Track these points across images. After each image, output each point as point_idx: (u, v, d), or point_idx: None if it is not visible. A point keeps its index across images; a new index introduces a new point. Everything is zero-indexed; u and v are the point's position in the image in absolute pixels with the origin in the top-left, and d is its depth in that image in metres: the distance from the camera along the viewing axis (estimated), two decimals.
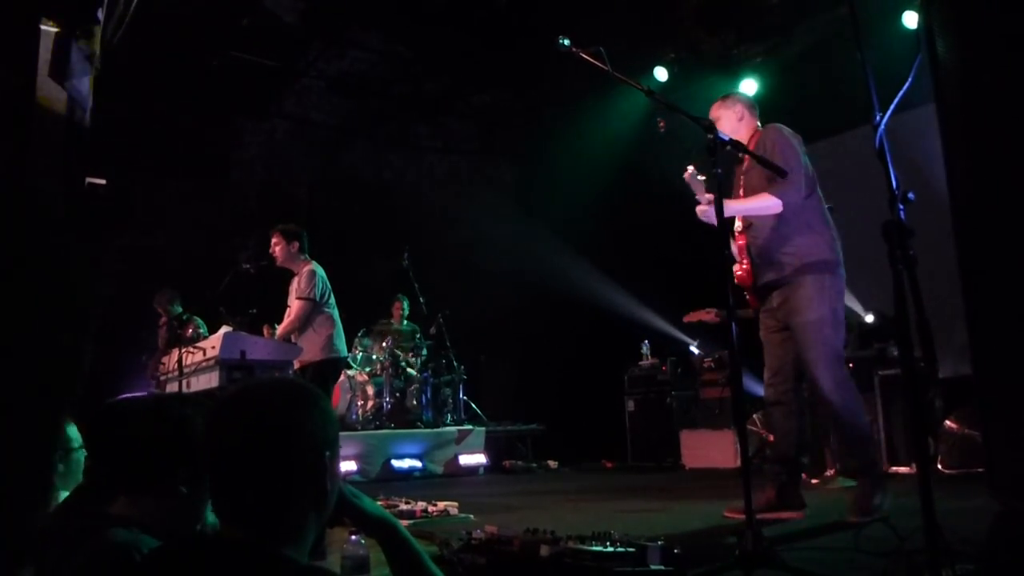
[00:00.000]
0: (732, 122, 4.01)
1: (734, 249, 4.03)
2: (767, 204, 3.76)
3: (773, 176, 3.62)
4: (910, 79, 1.93)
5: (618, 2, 7.59)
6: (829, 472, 5.64)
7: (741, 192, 4.03)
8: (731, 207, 3.79)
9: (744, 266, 3.99)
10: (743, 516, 3.49)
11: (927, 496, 1.79)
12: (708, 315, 6.55)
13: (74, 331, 0.65)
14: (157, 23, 7.33)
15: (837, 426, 3.82)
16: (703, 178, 3.73)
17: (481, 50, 8.54)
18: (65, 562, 1.43)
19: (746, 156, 3.90)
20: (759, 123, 4.08)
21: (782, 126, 3.96)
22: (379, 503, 3.07)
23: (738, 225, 4.03)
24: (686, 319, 6.92)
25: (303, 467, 1.21)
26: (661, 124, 3.80)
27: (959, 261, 2.11)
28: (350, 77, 9.34)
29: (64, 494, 2.31)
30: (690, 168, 3.68)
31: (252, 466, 1.19)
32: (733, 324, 2.68)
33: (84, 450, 2.47)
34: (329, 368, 5.69)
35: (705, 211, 3.73)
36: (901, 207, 1.80)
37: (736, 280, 3.99)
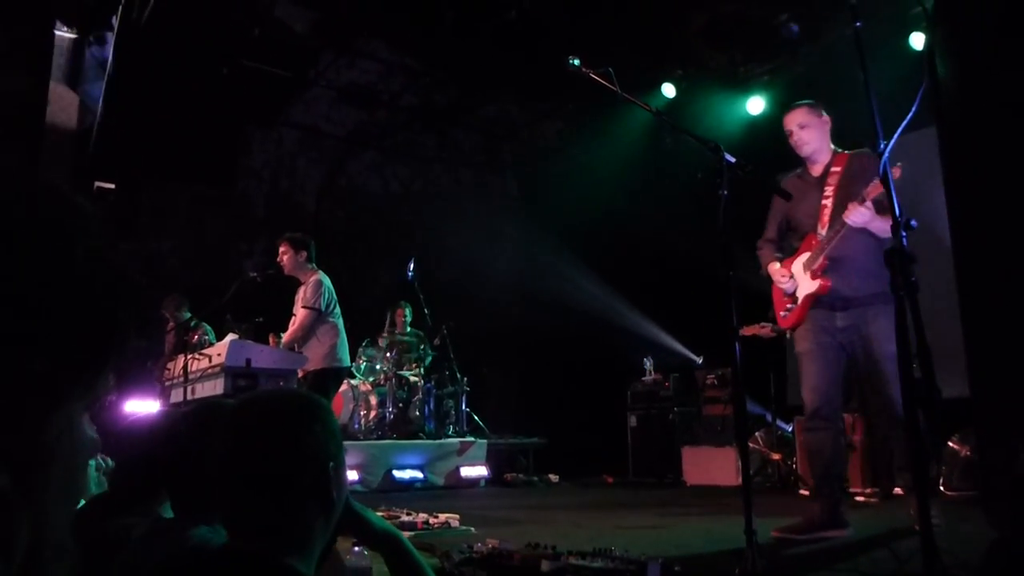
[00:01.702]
0: (819, 130, 4.02)
1: (786, 287, 4.02)
2: (883, 227, 3.64)
3: (880, 199, 3.58)
4: (915, 106, 1.95)
5: (626, 18, 7.63)
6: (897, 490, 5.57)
7: (832, 193, 3.93)
8: (875, 223, 3.71)
9: (792, 309, 3.99)
10: (794, 535, 3.53)
11: (925, 519, 1.80)
12: (764, 329, 6.47)
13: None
14: (169, 31, 7.41)
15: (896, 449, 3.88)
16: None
17: (489, 63, 8.59)
18: (142, 563, 1.44)
19: (835, 167, 3.95)
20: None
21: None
22: (380, 514, 3.08)
23: (823, 232, 3.92)
24: (743, 332, 6.84)
25: (307, 480, 1.23)
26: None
27: (958, 285, 2.12)
28: (359, 88, 9.41)
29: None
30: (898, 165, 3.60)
31: (256, 479, 1.21)
32: (736, 343, 2.69)
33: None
34: (330, 377, 5.72)
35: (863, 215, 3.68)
36: (904, 234, 1.81)
37: (782, 324, 4.05)
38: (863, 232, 3.75)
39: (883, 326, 3.64)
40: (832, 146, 4.05)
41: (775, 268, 4.08)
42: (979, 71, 2.15)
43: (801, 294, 3.96)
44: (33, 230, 0.63)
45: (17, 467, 0.59)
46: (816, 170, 4.07)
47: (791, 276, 4.00)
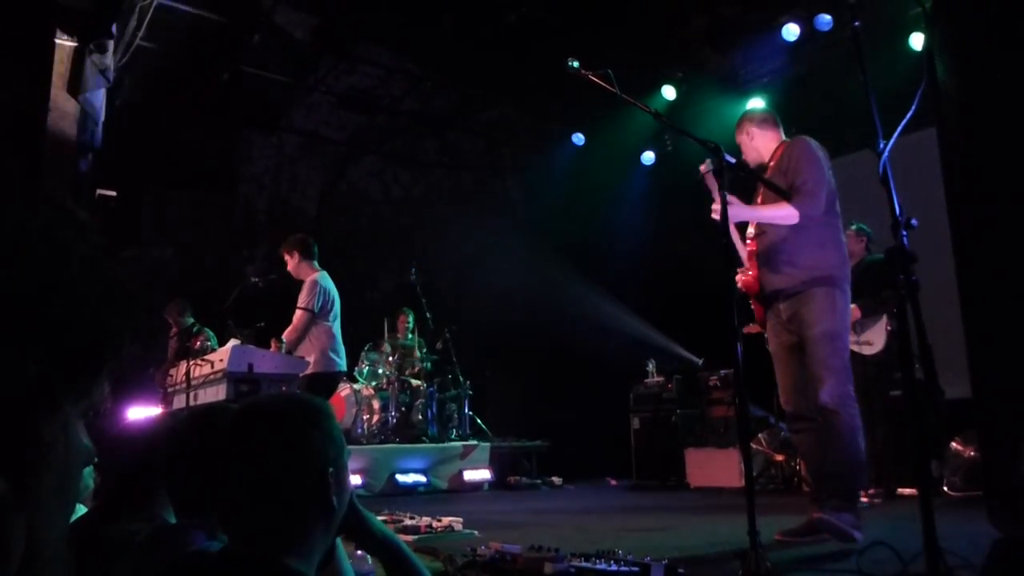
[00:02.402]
0: (747, 146, 4.02)
1: (743, 254, 3.96)
2: (783, 213, 3.68)
3: (794, 186, 3.67)
4: (914, 106, 1.95)
5: (627, 20, 7.64)
6: (873, 490, 5.51)
7: (759, 199, 3.99)
8: (746, 213, 3.75)
9: (751, 273, 3.92)
10: (797, 539, 3.49)
11: (928, 520, 1.79)
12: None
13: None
14: (169, 37, 7.42)
15: (833, 445, 3.54)
16: (715, 177, 3.61)
17: (489, 66, 8.60)
18: (143, 568, 1.44)
19: (769, 165, 3.92)
20: (783, 134, 4.04)
21: (809, 139, 3.89)
22: (383, 518, 3.07)
23: (751, 231, 3.97)
24: (746, 330, 6.66)
25: (306, 485, 1.23)
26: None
27: (959, 284, 2.12)
28: (359, 93, 9.42)
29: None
30: (707, 162, 3.62)
31: (256, 484, 1.21)
32: (738, 343, 2.69)
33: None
34: (322, 381, 5.68)
35: (719, 211, 3.62)
36: (904, 233, 1.81)
37: (740, 286, 3.90)
38: (782, 227, 3.74)
39: (813, 308, 3.62)
40: (781, 138, 4.02)
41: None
42: (978, 71, 2.15)
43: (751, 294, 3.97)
44: (29, 238, 0.64)
45: (13, 471, 0.59)
46: (761, 171, 4.05)
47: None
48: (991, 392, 2.00)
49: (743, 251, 3.97)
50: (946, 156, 2.17)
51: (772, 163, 3.94)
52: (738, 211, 3.63)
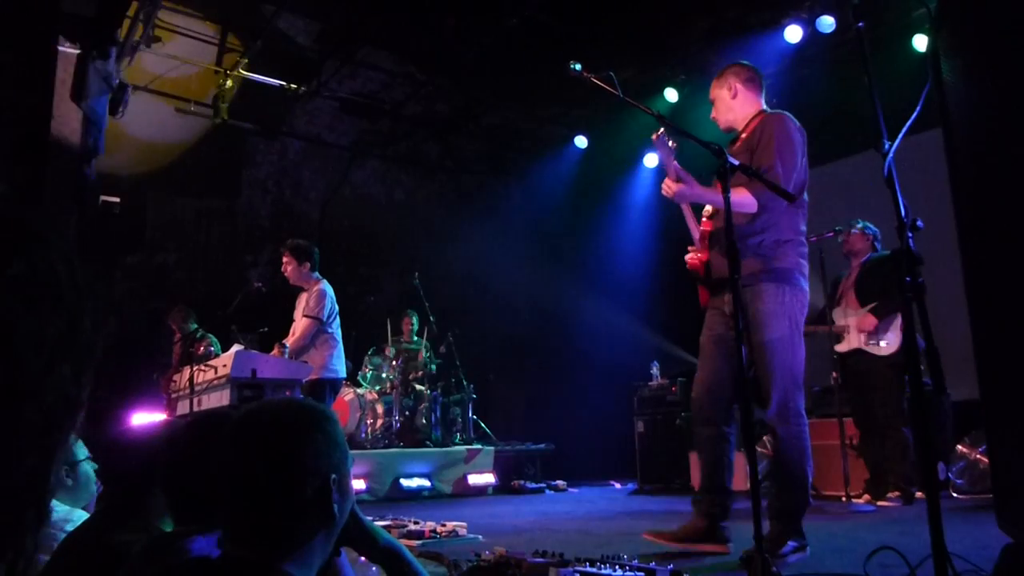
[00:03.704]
0: (726, 102, 3.66)
1: (695, 234, 3.67)
2: (741, 201, 3.30)
3: (760, 170, 3.23)
4: (919, 107, 1.94)
5: (629, 24, 7.64)
6: (893, 493, 5.43)
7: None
8: (700, 194, 3.44)
9: (702, 255, 3.62)
10: (667, 542, 3.40)
11: (936, 523, 1.78)
12: None
13: (74, 363, 0.61)
14: (172, 43, 7.44)
15: (779, 459, 3.35)
16: (674, 145, 3.41)
17: (491, 70, 8.61)
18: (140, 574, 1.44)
19: (740, 137, 3.60)
20: (765, 104, 3.67)
21: (789, 117, 3.53)
22: (387, 523, 3.06)
23: (708, 210, 3.65)
24: None
25: (308, 492, 1.22)
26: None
27: (966, 286, 2.10)
28: (362, 97, 9.43)
29: (64, 508, 2.33)
30: (660, 131, 3.36)
31: (257, 490, 1.20)
32: (743, 347, 2.67)
33: (91, 462, 2.49)
34: (324, 388, 5.72)
35: (671, 188, 3.39)
36: (910, 235, 1.79)
37: (688, 266, 3.64)
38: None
39: (761, 310, 3.33)
40: (762, 107, 3.66)
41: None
42: (987, 73, 2.14)
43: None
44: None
45: None
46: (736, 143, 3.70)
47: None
48: (1000, 394, 1.99)
49: (695, 231, 3.69)
50: (953, 158, 2.15)
51: (744, 135, 3.61)
52: (692, 191, 3.39)
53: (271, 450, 1.22)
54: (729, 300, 3.40)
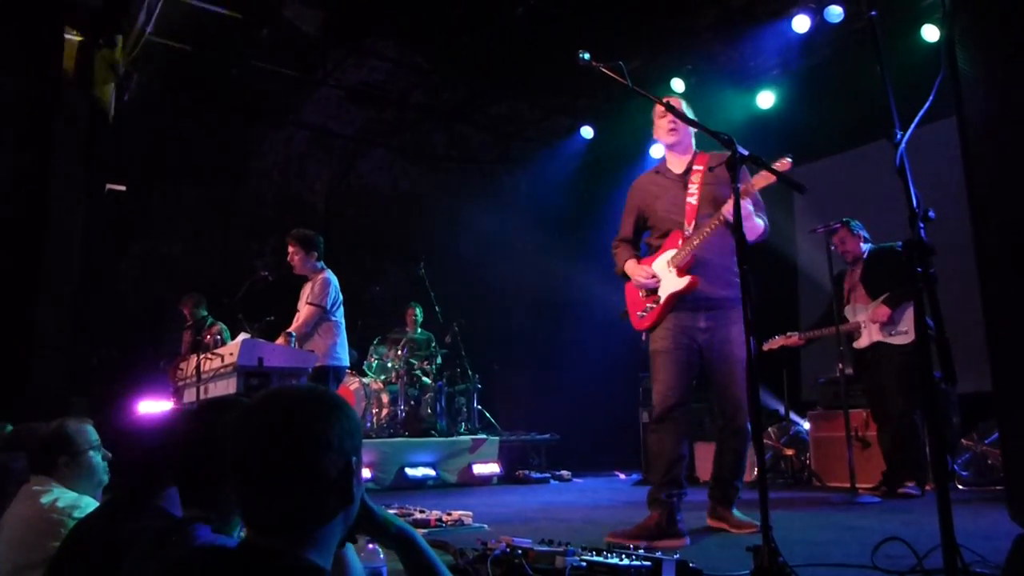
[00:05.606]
0: (679, 127, 4.06)
1: (649, 284, 3.93)
2: (755, 225, 3.74)
3: (757, 198, 3.71)
4: (931, 96, 1.92)
5: (636, 13, 7.60)
6: (910, 482, 5.36)
7: (697, 191, 3.86)
8: (751, 219, 3.66)
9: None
10: (628, 541, 3.43)
11: (946, 515, 1.77)
12: (790, 340, 6.06)
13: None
14: (178, 31, 7.43)
15: (740, 454, 3.93)
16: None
17: (498, 60, 8.57)
18: (153, 563, 1.44)
19: (695, 163, 3.96)
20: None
21: None
22: (393, 511, 3.07)
23: (690, 229, 3.84)
24: (766, 347, 6.19)
25: (331, 474, 1.22)
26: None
27: (980, 277, 2.09)
28: (368, 87, 9.41)
29: (72, 495, 2.33)
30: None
31: (280, 475, 1.19)
32: (751, 339, 2.67)
33: (101, 449, 2.49)
34: (327, 375, 5.74)
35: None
36: (922, 225, 1.78)
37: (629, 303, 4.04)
38: (726, 236, 3.66)
39: (735, 331, 3.70)
40: (693, 145, 4.06)
41: (634, 266, 4.00)
42: (1003, 60, 2.12)
43: (664, 292, 3.87)
44: None
45: None
46: (677, 167, 4.04)
47: (654, 275, 3.91)
48: (1012, 384, 1.98)
49: (677, 239, 3.91)
50: (968, 147, 2.13)
51: (700, 167, 3.92)
52: (745, 209, 3.57)
53: (298, 431, 1.21)
54: (705, 317, 3.80)
